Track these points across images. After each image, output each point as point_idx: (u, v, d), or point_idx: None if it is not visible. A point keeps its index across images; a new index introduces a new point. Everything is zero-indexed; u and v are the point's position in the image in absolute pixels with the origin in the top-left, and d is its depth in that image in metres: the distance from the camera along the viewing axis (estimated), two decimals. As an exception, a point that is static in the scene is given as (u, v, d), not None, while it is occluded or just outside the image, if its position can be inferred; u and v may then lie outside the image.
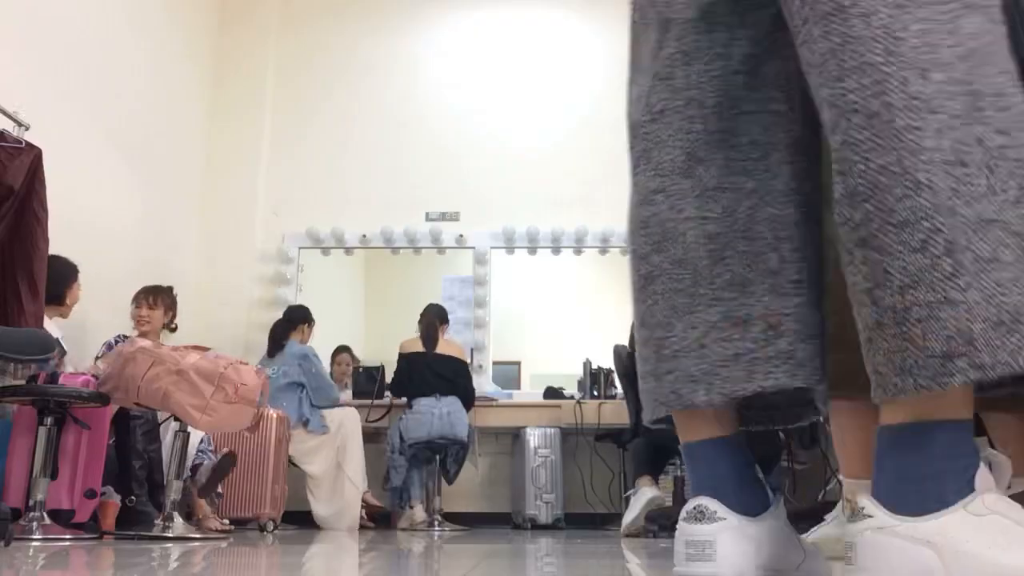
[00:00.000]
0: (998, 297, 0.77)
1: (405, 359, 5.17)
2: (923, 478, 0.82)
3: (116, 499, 3.41)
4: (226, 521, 4.04)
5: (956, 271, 0.78)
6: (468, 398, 5.18)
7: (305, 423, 4.85)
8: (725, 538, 0.97)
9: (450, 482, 5.16)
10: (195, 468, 3.95)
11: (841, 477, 1.88)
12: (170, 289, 4.33)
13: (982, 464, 0.81)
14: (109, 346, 4.05)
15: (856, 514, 0.84)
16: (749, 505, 1.00)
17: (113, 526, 3.33)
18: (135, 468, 3.41)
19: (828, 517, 1.95)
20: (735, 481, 1.02)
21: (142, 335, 4.03)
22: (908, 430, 0.84)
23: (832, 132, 0.88)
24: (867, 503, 0.84)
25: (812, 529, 1.95)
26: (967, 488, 0.80)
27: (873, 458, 0.88)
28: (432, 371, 5.10)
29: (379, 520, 5.12)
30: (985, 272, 0.78)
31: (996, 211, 0.80)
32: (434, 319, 5.27)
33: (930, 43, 0.83)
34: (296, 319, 5.25)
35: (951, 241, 0.79)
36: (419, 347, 5.18)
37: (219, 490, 4.08)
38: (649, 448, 3.65)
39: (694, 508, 1.00)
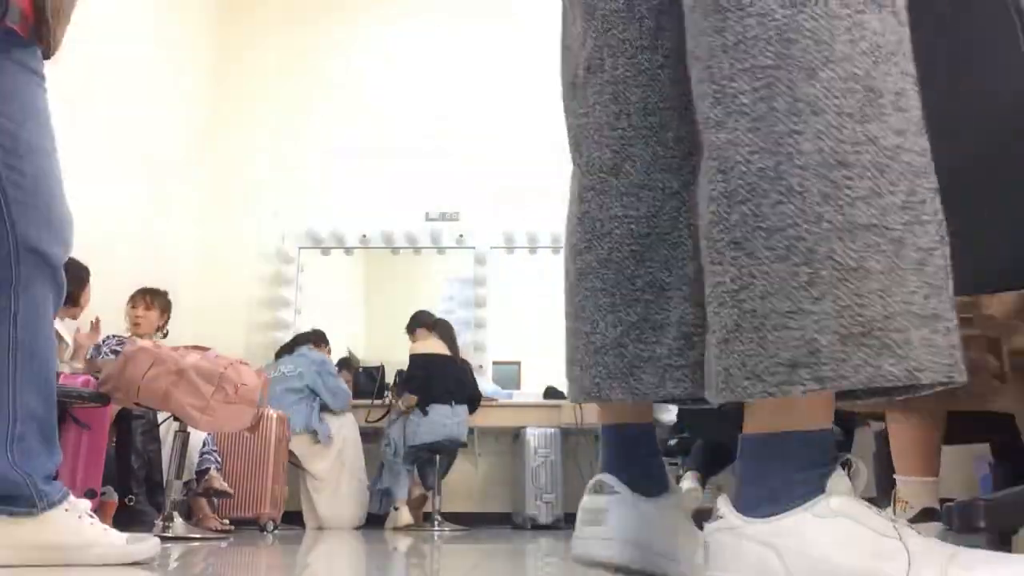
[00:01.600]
0: (853, 309, 0.77)
1: (424, 362, 5.11)
2: (775, 483, 0.83)
3: (115, 498, 3.41)
4: (226, 521, 4.04)
5: (812, 281, 0.78)
6: (476, 402, 5.21)
7: (313, 433, 4.85)
8: (617, 509, 1.04)
9: (442, 477, 5.17)
10: (201, 473, 3.95)
11: (896, 476, 1.88)
12: (165, 293, 4.34)
13: (838, 469, 0.81)
14: (97, 348, 4.04)
15: (713, 516, 0.86)
16: (645, 486, 1.06)
17: (111, 525, 3.33)
18: (135, 468, 3.41)
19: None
20: (636, 463, 1.08)
21: (136, 335, 4.03)
22: (765, 439, 0.84)
23: (716, 129, 0.86)
24: (721, 505, 0.85)
25: None
26: (816, 492, 0.80)
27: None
28: (455, 378, 5.10)
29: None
30: (844, 282, 0.77)
31: (876, 215, 0.78)
32: (450, 325, 5.30)
33: (823, 40, 0.82)
34: (317, 337, 5.36)
35: (811, 250, 0.78)
36: (433, 348, 5.15)
37: (229, 490, 4.07)
38: (707, 449, 3.61)
39: (595, 482, 1.08)
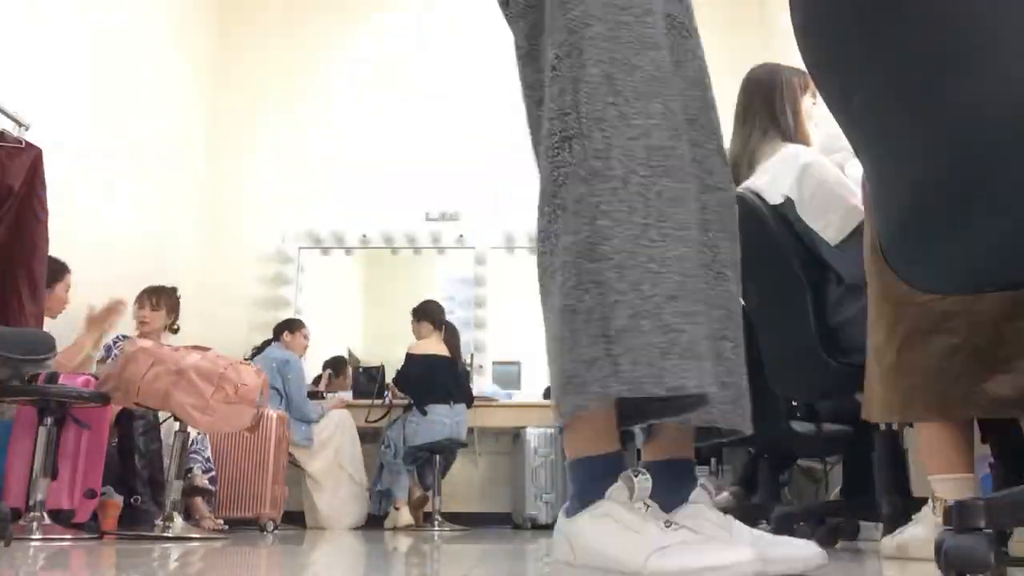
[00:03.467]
0: (562, 366, 1.13)
1: (422, 362, 5.10)
2: (577, 492, 1.16)
3: (117, 499, 3.41)
4: (220, 520, 4.03)
5: (550, 351, 1.18)
6: (471, 400, 5.21)
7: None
8: None
9: (443, 476, 5.16)
10: (188, 470, 3.95)
11: (931, 477, 1.87)
12: (173, 290, 4.33)
13: (620, 481, 1.10)
14: (108, 348, 4.04)
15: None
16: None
17: (115, 526, 3.33)
18: (138, 468, 3.40)
19: (916, 517, 1.88)
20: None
21: (143, 335, 4.02)
22: (571, 463, 1.20)
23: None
24: (561, 510, 1.19)
25: (899, 529, 1.88)
26: (597, 499, 1.11)
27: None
28: (455, 380, 5.10)
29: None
30: (556, 348, 1.15)
31: (564, 299, 1.15)
32: (456, 332, 5.29)
33: (542, 185, 1.26)
34: (276, 332, 5.25)
35: (549, 330, 1.21)
36: (435, 350, 5.14)
37: (211, 488, 4.04)
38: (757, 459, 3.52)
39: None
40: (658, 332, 1.07)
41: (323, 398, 5.36)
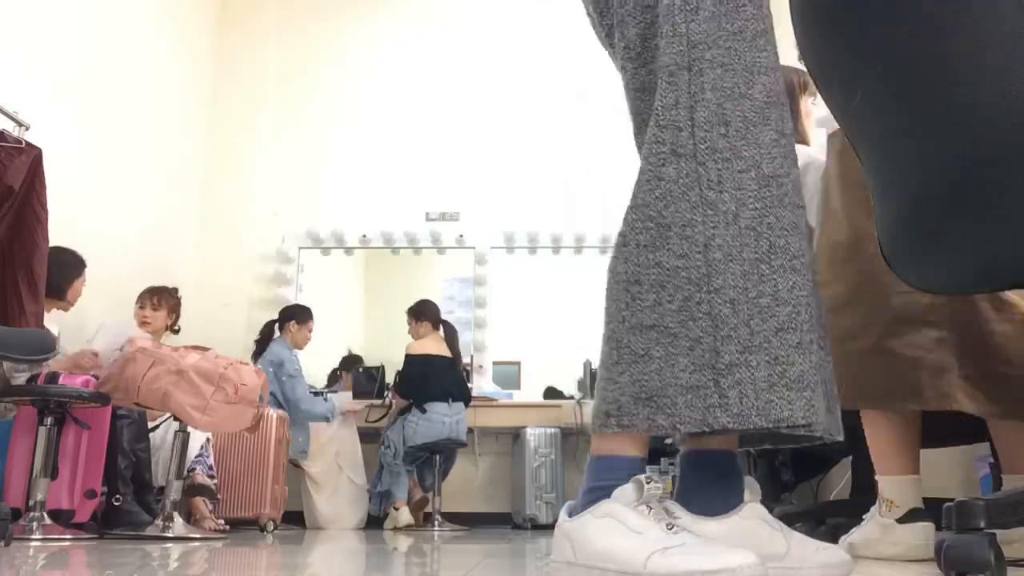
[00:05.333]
0: (641, 381, 1.11)
1: (421, 362, 5.09)
2: (586, 490, 1.17)
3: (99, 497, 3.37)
4: (221, 521, 4.03)
5: (618, 360, 1.15)
6: (469, 399, 5.21)
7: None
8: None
9: (443, 477, 5.16)
10: (191, 470, 3.94)
11: (878, 477, 1.88)
12: (174, 291, 4.33)
13: (630, 483, 1.11)
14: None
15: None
16: (711, 508, 1.25)
17: (96, 524, 3.30)
18: (121, 467, 3.36)
19: (865, 516, 1.91)
20: (708, 486, 1.29)
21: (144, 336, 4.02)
22: (590, 461, 1.20)
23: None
24: (562, 509, 1.21)
25: (851, 531, 1.91)
26: (602, 498, 1.12)
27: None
28: (452, 378, 5.09)
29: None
30: (635, 364, 1.12)
31: (656, 318, 1.12)
32: (455, 331, 5.29)
33: (635, 191, 1.19)
34: (283, 318, 5.19)
35: (618, 340, 1.15)
36: (433, 349, 5.14)
37: (210, 485, 4.04)
38: (800, 456, 3.43)
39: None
40: (766, 366, 1.08)
41: (325, 398, 5.35)
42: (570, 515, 1.18)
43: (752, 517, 1.22)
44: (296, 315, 5.19)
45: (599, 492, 1.13)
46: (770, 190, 1.15)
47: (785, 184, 1.17)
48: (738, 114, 1.17)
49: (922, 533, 1.79)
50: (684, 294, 1.11)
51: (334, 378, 5.87)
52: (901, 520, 1.82)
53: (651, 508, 1.10)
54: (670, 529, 1.07)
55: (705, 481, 1.28)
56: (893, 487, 1.85)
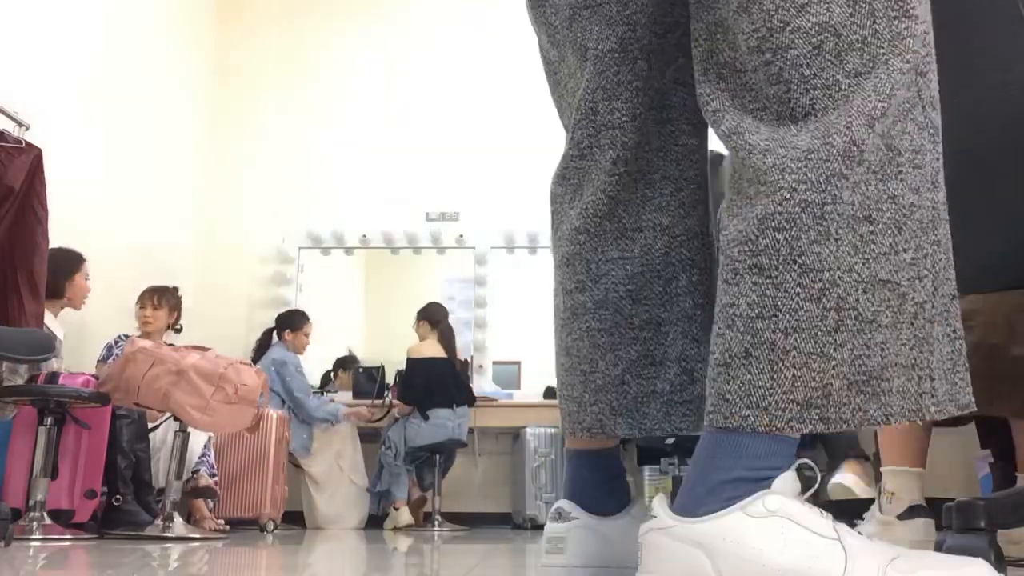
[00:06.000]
0: (862, 359, 0.80)
1: (421, 366, 5.08)
2: (717, 481, 0.81)
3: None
4: (221, 521, 4.03)
5: (838, 327, 0.80)
6: (473, 400, 5.21)
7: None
8: (576, 535, 1.05)
9: (443, 477, 5.16)
10: (195, 472, 3.94)
11: (883, 468, 1.87)
12: (175, 290, 4.33)
13: (791, 471, 0.81)
14: (109, 348, 4.04)
15: (647, 516, 0.84)
16: (604, 506, 1.06)
17: (96, 524, 3.30)
18: (120, 467, 3.36)
19: (867, 515, 1.88)
20: (597, 485, 1.09)
21: (145, 335, 4.02)
22: (718, 440, 0.83)
23: (762, 154, 0.85)
24: (656, 504, 0.84)
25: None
26: (754, 491, 0.79)
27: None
28: (455, 381, 5.09)
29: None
30: (861, 332, 0.81)
31: (891, 271, 0.82)
32: (451, 330, 5.28)
33: (847, 101, 0.84)
34: (279, 326, 5.22)
35: (842, 298, 0.81)
36: (433, 352, 5.13)
37: (213, 486, 4.04)
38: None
39: (555, 509, 1.09)
40: (947, 340, 0.86)
41: (325, 396, 5.36)
42: (684, 513, 0.82)
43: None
44: (291, 323, 5.21)
45: (746, 484, 0.80)
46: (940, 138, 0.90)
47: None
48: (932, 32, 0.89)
49: (923, 529, 1.78)
50: (916, 243, 0.83)
51: (326, 380, 5.85)
52: (900, 517, 1.81)
53: (818, 507, 0.82)
54: (860, 535, 0.81)
55: (595, 482, 1.10)
56: (896, 478, 1.81)
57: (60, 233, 3.47)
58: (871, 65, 0.84)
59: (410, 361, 5.13)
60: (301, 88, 6.54)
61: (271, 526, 4.29)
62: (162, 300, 4.23)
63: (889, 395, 0.80)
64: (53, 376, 3.07)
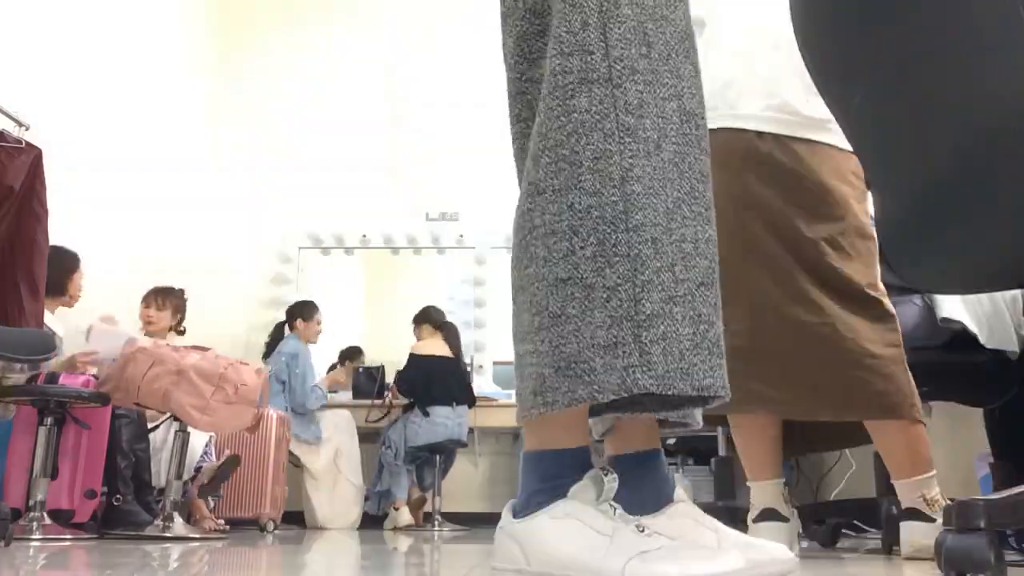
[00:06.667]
0: (560, 348, 0.95)
1: (425, 363, 5.09)
2: (530, 490, 1.03)
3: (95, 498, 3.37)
4: (221, 521, 4.03)
5: (540, 327, 0.98)
6: (473, 401, 5.22)
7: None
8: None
9: (443, 477, 5.17)
10: (198, 469, 3.95)
11: (749, 483, 1.97)
12: (181, 292, 4.33)
13: (586, 479, 0.99)
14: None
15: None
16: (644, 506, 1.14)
17: (96, 524, 3.30)
18: (120, 467, 3.36)
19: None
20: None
21: (148, 335, 4.03)
22: (527, 456, 1.05)
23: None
24: (505, 510, 1.05)
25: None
26: (557, 498, 0.99)
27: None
28: (456, 380, 5.10)
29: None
30: (555, 326, 0.96)
31: (570, 269, 0.96)
32: (455, 330, 5.29)
33: (543, 131, 1.01)
34: (289, 316, 5.27)
35: (539, 303, 0.98)
36: (436, 350, 5.14)
37: (219, 492, 4.06)
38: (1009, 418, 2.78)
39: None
40: (690, 322, 0.94)
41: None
42: (515, 515, 1.04)
43: (680, 516, 1.10)
44: (302, 312, 5.27)
45: (549, 492, 1.00)
46: (690, 127, 1.02)
47: (702, 126, 1.04)
48: (661, 37, 1.02)
49: (774, 533, 1.87)
50: (598, 236, 0.95)
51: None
52: (755, 520, 1.94)
53: (615, 507, 0.98)
54: (641, 531, 0.95)
55: (631, 480, 1.13)
56: (755, 490, 1.98)
57: (60, 233, 3.47)
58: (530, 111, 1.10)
59: (413, 356, 5.14)
60: (301, 88, 6.54)
61: (271, 526, 4.29)
62: (166, 301, 4.23)
63: (594, 374, 0.93)
64: (53, 376, 3.07)
